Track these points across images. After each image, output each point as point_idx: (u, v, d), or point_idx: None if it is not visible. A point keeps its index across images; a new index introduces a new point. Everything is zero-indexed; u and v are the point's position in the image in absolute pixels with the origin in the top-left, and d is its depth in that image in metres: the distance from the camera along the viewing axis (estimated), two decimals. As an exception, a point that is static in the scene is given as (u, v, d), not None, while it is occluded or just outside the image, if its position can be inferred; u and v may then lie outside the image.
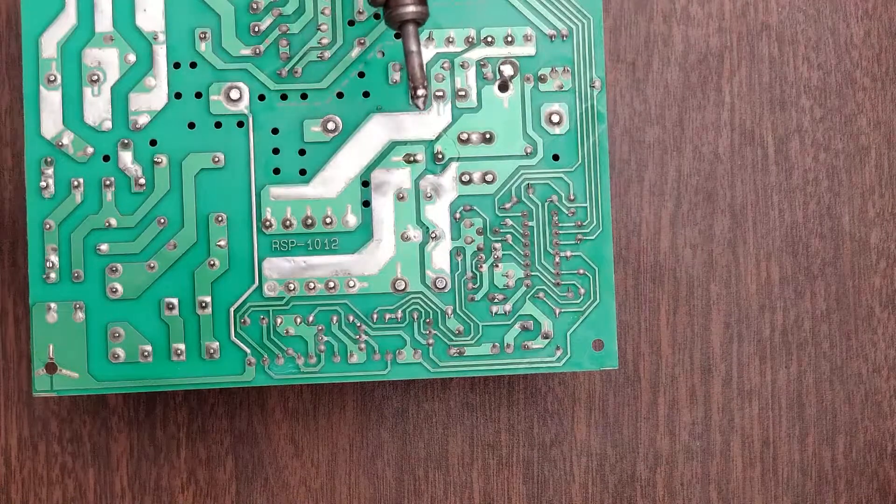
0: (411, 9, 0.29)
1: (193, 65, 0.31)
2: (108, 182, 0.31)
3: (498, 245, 0.32)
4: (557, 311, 0.32)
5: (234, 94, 0.31)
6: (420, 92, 0.29)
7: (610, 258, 0.32)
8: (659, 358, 0.36)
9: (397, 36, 0.32)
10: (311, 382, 0.31)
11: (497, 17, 0.32)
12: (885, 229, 0.36)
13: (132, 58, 0.31)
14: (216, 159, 0.31)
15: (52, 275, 0.31)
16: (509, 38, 0.32)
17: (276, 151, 0.32)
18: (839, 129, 0.36)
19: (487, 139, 0.32)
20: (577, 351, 0.32)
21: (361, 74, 0.32)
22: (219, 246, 0.31)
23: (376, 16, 0.32)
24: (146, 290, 0.31)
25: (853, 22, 0.37)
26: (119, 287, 0.31)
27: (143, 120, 0.31)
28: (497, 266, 0.32)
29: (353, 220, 0.32)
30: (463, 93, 0.32)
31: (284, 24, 0.32)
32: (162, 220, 0.31)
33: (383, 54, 0.32)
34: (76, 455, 0.35)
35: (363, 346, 0.31)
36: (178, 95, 0.31)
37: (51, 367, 0.31)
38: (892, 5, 0.37)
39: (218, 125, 0.31)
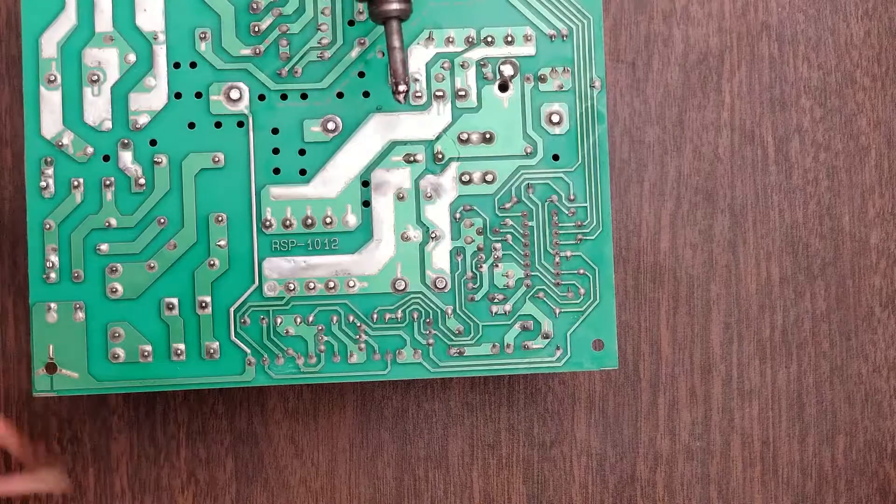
0: (395, 6, 0.30)
1: (193, 65, 0.31)
2: (108, 182, 0.31)
3: (498, 245, 0.32)
4: (557, 311, 0.32)
5: (234, 94, 0.31)
6: (401, 87, 0.30)
7: (610, 258, 0.32)
8: (659, 358, 0.36)
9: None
10: (311, 382, 0.31)
11: (497, 17, 0.32)
12: (885, 229, 0.36)
13: (132, 58, 0.31)
14: (216, 159, 0.31)
15: (52, 275, 0.31)
16: (509, 38, 0.32)
17: (276, 151, 0.32)
18: (839, 129, 0.36)
19: (487, 139, 0.32)
20: (577, 351, 0.32)
21: (361, 74, 0.32)
22: (219, 246, 0.31)
23: (376, 16, 0.32)
24: (146, 290, 0.31)
25: (853, 22, 0.37)
26: (119, 287, 0.31)
27: (143, 120, 0.31)
28: (497, 266, 0.32)
29: (353, 220, 0.32)
30: (463, 93, 0.32)
31: (284, 24, 0.32)
32: (162, 220, 0.31)
33: (383, 54, 0.32)
34: (76, 455, 0.35)
35: (363, 346, 0.31)
36: (178, 95, 0.31)
37: (51, 367, 0.31)
38: (892, 5, 0.37)
39: (218, 125, 0.31)
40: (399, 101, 0.30)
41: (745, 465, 0.36)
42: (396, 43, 0.30)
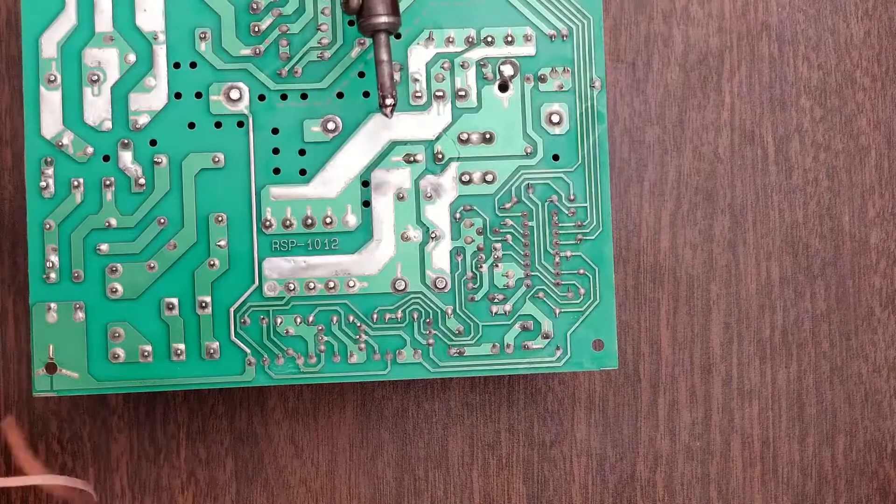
0: (384, 19, 0.30)
1: (193, 65, 0.31)
2: (108, 182, 0.31)
3: (498, 245, 0.32)
4: (557, 311, 0.32)
5: (234, 94, 0.31)
6: (388, 101, 0.30)
7: (610, 258, 0.32)
8: (659, 358, 0.36)
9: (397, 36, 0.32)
10: (311, 382, 0.31)
11: (497, 17, 0.32)
12: (885, 229, 0.36)
13: (132, 58, 0.31)
14: (216, 159, 0.31)
15: (52, 275, 0.31)
16: (509, 38, 0.32)
17: (276, 151, 0.32)
18: (839, 129, 0.36)
19: (487, 139, 0.32)
20: (577, 351, 0.32)
21: (361, 74, 0.32)
22: (219, 246, 0.31)
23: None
24: (146, 290, 0.31)
25: (853, 22, 0.37)
26: (119, 287, 0.31)
27: (143, 120, 0.31)
28: (497, 266, 0.32)
29: (353, 220, 0.32)
30: (463, 93, 0.32)
31: (284, 24, 0.32)
32: (162, 220, 0.31)
33: (383, 54, 0.32)
34: (76, 455, 0.35)
35: (363, 346, 0.31)
36: (178, 95, 0.31)
37: (51, 367, 0.31)
38: (892, 5, 0.37)
39: (218, 125, 0.31)
40: (386, 115, 0.30)
41: (745, 465, 0.36)
42: (384, 56, 0.30)
